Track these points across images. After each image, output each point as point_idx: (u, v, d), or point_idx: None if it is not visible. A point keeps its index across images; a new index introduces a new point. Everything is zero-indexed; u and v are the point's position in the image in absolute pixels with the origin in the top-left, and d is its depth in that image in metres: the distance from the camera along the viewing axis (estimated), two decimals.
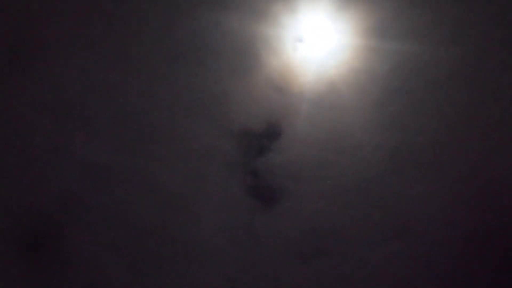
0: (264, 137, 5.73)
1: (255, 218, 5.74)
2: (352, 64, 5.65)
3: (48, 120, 5.60)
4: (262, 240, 5.73)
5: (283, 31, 5.62)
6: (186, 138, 5.69)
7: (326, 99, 5.66)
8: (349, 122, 5.67)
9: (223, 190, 5.73)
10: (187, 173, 5.71)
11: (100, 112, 5.70)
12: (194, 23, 5.60)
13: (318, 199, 5.72)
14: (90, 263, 5.75)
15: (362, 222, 5.70)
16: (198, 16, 5.58)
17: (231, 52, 5.59)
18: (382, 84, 5.63)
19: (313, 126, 5.68)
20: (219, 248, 5.75)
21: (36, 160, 5.67)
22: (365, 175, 5.69)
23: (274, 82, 5.68)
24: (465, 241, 5.64)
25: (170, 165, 5.73)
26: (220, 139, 5.69)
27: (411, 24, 5.57)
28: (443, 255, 5.65)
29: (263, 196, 5.75)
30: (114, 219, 5.76)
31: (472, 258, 5.63)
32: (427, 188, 5.67)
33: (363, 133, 5.67)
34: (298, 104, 5.66)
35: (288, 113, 5.68)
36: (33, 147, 5.65)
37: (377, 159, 5.67)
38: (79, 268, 5.73)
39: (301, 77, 5.69)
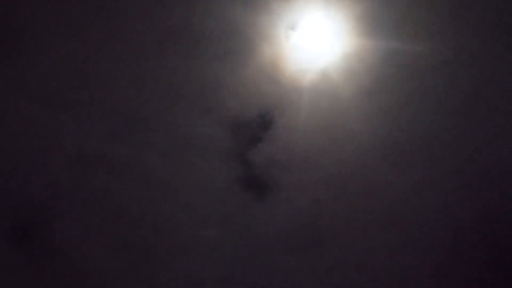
0: (255, 126, 5.67)
1: (247, 208, 5.68)
2: (344, 53, 5.60)
3: (36, 108, 5.53)
4: (254, 230, 5.67)
5: (276, 18, 5.56)
6: (177, 127, 5.63)
7: (318, 88, 5.61)
8: (342, 111, 5.62)
9: (214, 179, 5.67)
10: (177, 162, 5.64)
11: (89, 100, 5.63)
12: (185, 10, 5.54)
13: (310, 189, 5.66)
14: (79, 252, 5.68)
15: (356, 212, 5.65)
16: (189, 2, 5.51)
17: (222, 39, 5.52)
18: (375, 73, 5.58)
19: (305, 115, 5.63)
20: (210, 238, 5.69)
21: (24, 149, 5.59)
22: (358, 164, 5.63)
23: (266, 70, 5.62)
24: (458, 231, 5.59)
25: (160, 154, 5.67)
26: (211, 128, 5.63)
27: (405, 13, 5.53)
28: (437, 245, 5.61)
29: (255, 185, 5.69)
30: (104, 208, 5.70)
31: (466, 249, 5.59)
32: (420, 178, 5.63)
33: (356, 122, 5.61)
34: (290, 93, 5.61)
35: (280, 102, 5.62)
36: (21, 135, 5.57)
37: (370, 148, 5.62)
38: (68, 258, 5.66)
39: (293, 65, 5.64)
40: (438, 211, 5.62)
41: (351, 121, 5.61)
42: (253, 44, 5.60)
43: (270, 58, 5.61)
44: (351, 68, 5.60)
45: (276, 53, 5.61)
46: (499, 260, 5.52)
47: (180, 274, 5.73)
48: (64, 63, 5.51)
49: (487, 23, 5.45)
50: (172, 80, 5.64)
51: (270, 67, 5.62)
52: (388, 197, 5.63)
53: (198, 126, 5.63)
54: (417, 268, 5.59)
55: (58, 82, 5.57)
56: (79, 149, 5.64)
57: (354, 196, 5.65)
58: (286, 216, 5.64)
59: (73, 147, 5.63)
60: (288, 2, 5.51)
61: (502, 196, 5.54)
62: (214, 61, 5.60)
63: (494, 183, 5.59)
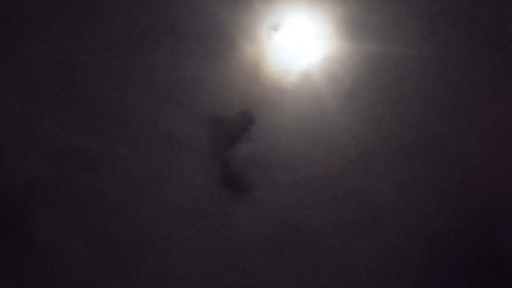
0: (236, 125, 5.67)
1: (225, 207, 5.68)
2: (326, 55, 5.62)
3: (14, 101, 5.48)
4: (231, 229, 5.67)
5: (259, 18, 5.56)
6: (157, 123, 5.62)
7: (299, 89, 5.62)
8: (322, 113, 5.64)
9: (193, 177, 5.66)
10: (156, 158, 5.63)
11: (68, 94, 5.60)
12: (169, 8, 5.52)
13: (289, 189, 5.68)
14: (55, 246, 5.65)
15: (334, 214, 5.67)
16: (172, 1, 5.50)
17: (204, 37, 5.52)
18: (356, 75, 5.60)
19: (285, 116, 5.64)
20: (187, 236, 5.69)
21: (1, 143, 5.55)
22: (338, 166, 5.66)
23: (247, 70, 5.62)
24: (436, 235, 5.64)
25: (140, 151, 5.65)
26: (191, 126, 5.62)
27: (387, 17, 5.56)
28: (414, 249, 5.64)
29: (233, 185, 5.69)
30: (81, 203, 5.67)
31: (443, 253, 5.63)
32: (400, 181, 5.66)
33: (336, 124, 5.64)
34: (270, 93, 5.62)
35: (261, 102, 5.63)
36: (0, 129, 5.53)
37: (350, 150, 5.64)
38: (44, 251, 5.63)
39: (275, 66, 5.65)
40: (416, 214, 5.66)
41: (331, 123, 5.64)
42: (236, 43, 5.60)
43: (252, 58, 5.62)
44: (332, 71, 5.62)
45: (258, 53, 5.62)
46: (478, 262, 5.58)
47: (156, 271, 5.71)
48: (44, 58, 5.48)
49: (469, 27, 5.50)
50: (154, 77, 5.62)
51: (252, 66, 5.63)
52: (367, 200, 5.66)
53: (178, 123, 5.62)
54: (393, 271, 5.63)
55: (39, 77, 5.54)
56: (57, 143, 5.60)
57: (332, 198, 5.68)
58: (264, 216, 5.66)
59: (52, 142, 5.60)
60: (271, 2, 5.52)
61: (481, 201, 5.59)
62: (196, 60, 5.60)
63: (476, 188, 5.63)
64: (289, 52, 5.67)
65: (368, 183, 5.64)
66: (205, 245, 5.66)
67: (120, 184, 5.65)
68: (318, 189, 5.67)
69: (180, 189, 5.67)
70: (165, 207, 5.67)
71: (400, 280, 5.56)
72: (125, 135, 5.62)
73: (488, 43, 5.54)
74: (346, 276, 5.58)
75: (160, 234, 5.66)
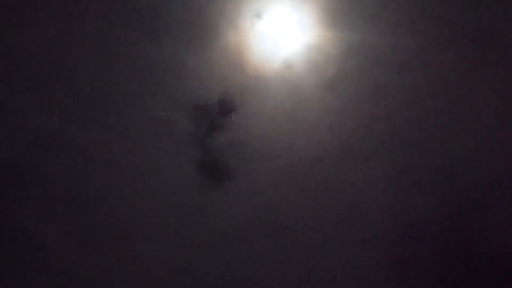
0: (217, 112, 5.63)
1: (204, 195, 5.63)
2: (308, 44, 5.60)
3: None
4: (209, 217, 5.63)
5: (242, 5, 5.54)
6: (137, 109, 5.58)
7: (281, 77, 5.60)
8: (303, 102, 5.61)
9: (173, 164, 5.62)
10: (136, 144, 5.59)
11: (51, 78, 5.56)
12: None
13: (269, 179, 5.64)
14: (35, 233, 5.59)
15: (314, 204, 5.64)
16: None
17: (187, 23, 5.49)
18: (338, 65, 5.58)
19: (266, 104, 5.61)
20: (165, 223, 5.64)
21: None
22: (317, 156, 5.63)
23: (229, 57, 5.59)
24: (413, 227, 5.60)
25: (120, 137, 5.61)
26: (172, 112, 5.59)
27: (370, 6, 5.55)
28: (395, 240, 5.61)
29: (213, 172, 5.65)
30: (62, 190, 5.62)
31: (421, 244, 5.60)
32: (379, 173, 5.63)
33: (317, 113, 5.61)
34: (252, 81, 5.59)
35: (242, 90, 5.60)
36: None
37: (329, 140, 5.61)
38: (24, 237, 5.57)
39: (257, 54, 5.62)
40: (398, 205, 5.63)
41: (312, 112, 5.61)
42: (218, 30, 5.58)
43: (234, 45, 5.59)
44: (314, 59, 5.60)
45: (240, 41, 5.59)
46: (452, 253, 5.55)
47: (135, 259, 5.66)
48: (26, 42, 5.44)
49: (453, 17, 5.49)
50: (136, 63, 5.59)
51: (234, 54, 5.60)
52: (346, 191, 5.63)
53: (159, 110, 5.58)
54: (374, 261, 5.59)
55: (20, 62, 5.50)
56: (38, 129, 5.56)
57: (311, 188, 5.64)
58: (242, 204, 5.61)
59: (33, 127, 5.55)
60: None
61: (458, 193, 5.57)
62: (177, 45, 5.57)
63: (455, 179, 5.61)
64: (272, 40, 5.64)
65: (349, 173, 5.61)
66: (183, 232, 5.60)
67: (99, 169, 5.61)
68: (299, 179, 5.64)
69: (160, 176, 5.62)
70: (144, 194, 5.62)
71: (381, 271, 5.52)
72: (105, 121, 5.58)
73: (472, 34, 5.53)
74: (326, 266, 5.55)
75: (138, 221, 5.61)
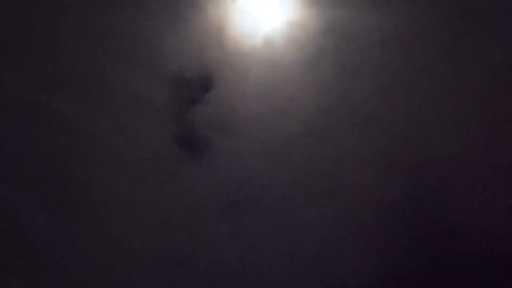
0: (195, 87, 5.60)
1: (180, 169, 5.60)
2: (288, 20, 5.56)
3: None
4: (186, 192, 5.59)
5: None
6: (115, 82, 5.55)
7: (260, 54, 5.56)
8: (283, 79, 5.57)
9: (149, 138, 5.58)
10: (112, 118, 5.55)
11: (29, 48, 5.54)
12: None
13: (246, 154, 5.60)
14: (7, 207, 5.56)
15: (289, 181, 5.59)
16: None
17: None
18: (318, 42, 5.55)
19: (245, 80, 5.58)
20: (141, 198, 5.60)
21: None
22: (295, 133, 5.58)
23: (209, 32, 5.56)
24: (392, 205, 5.55)
25: (98, 110, 5.58)
26: (149, 86, 5.56)
27: None
28: (370, 218, 5.56)
29: (190, 147, 5.61)
30: (36, 162, 5.59)
31: (399, 222, 5.55)
32: (357, 151, 5.58)
33: (296, 90, 5.57)
34: (232, 56, 5.55)
35: (222, 65, 5.57)
36: None
37: (308, 118, 5.58)
38: None
39: (237, 29, 5.59)
40: (373, 185, 5.58)
41: (291, 89, 5.57)
42: (199, 4, 5.55)
43: (214, 20, 5.56)
44: (295, 36, 5.56)
45: (220, 15, 5.56)
46: (426, 232, 5.50)
47: (110, 233, 5.62)
48: (2, 7, 5.43)
49: None
50: (113, 35, 5.57)
51: (214, 29, 5.57)
52: (323, 169, 5.58)
53: (136, 82, 5.56)
54: (344, 240, 5.54)
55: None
56: (14, 98, 5.53)
57: (290, 165, 5.60)
58: (219, 180, 5.57)
59: (8, 96, 5.53)
60: None
61: (430, 176, 5.52)
62: (157, 18, 5.54)
63: (432, 159, 5.56)
64: (252, 16, 5.61)
65: (327, 151, 5.57)
66: (158, 206, 5.56)
67: (77, 143, 5.58)
68: (276, 155, 5.59)
69: (137, 149, 5.59)
70: (121, 167, 5.58)
71: (354, 248, 5.48)
72: (84, 94, 5.56)
73: (458, 12, 5.49)
74: (300, 243, 5.50)
75: (114, 194, 5.57)
